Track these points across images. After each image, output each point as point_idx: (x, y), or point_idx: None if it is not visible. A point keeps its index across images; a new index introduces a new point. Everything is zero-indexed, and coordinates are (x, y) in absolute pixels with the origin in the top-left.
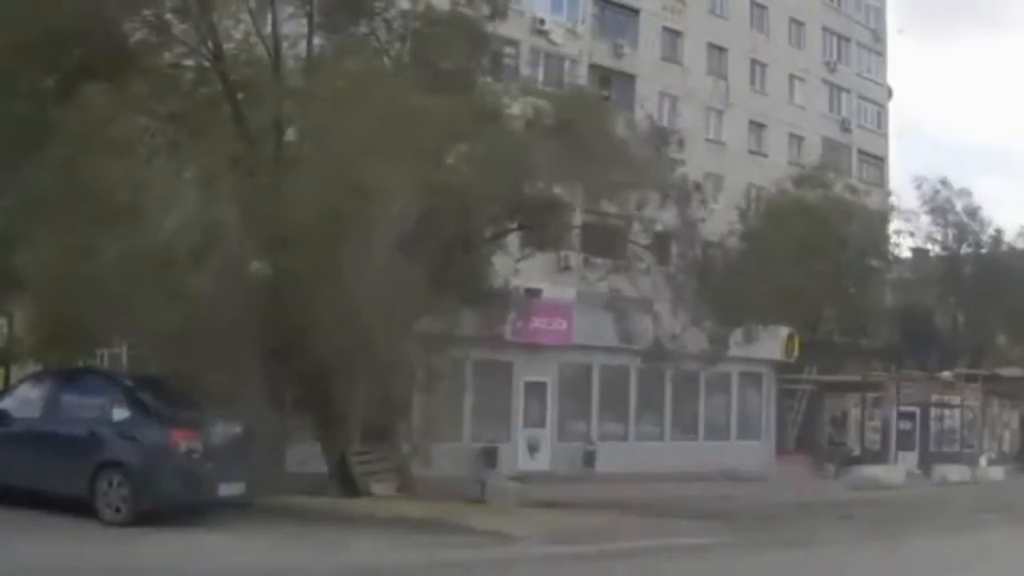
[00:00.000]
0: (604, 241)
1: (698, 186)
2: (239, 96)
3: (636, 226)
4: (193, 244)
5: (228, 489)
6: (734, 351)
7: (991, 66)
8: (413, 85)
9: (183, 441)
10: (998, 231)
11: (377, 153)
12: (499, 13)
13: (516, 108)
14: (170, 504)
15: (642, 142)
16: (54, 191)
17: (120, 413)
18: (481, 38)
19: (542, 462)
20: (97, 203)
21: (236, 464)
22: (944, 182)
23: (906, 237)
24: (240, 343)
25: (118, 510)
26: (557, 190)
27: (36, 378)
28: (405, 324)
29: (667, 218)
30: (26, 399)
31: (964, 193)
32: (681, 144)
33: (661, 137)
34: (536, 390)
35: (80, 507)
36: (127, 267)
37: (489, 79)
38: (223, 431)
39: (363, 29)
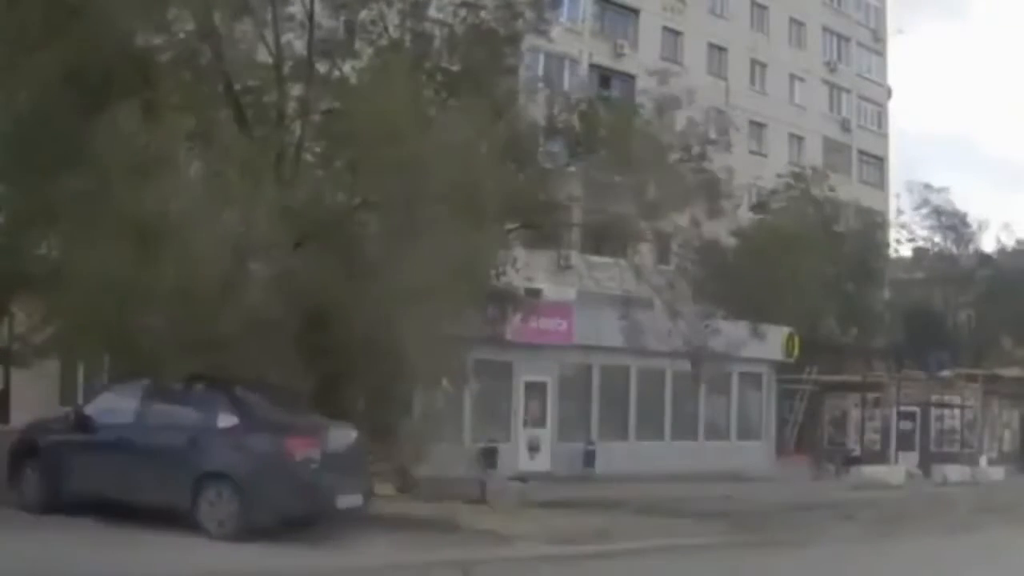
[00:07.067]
0: (607, 239)
1: (729, 182)
2: (243, 98)
3: (644, 224)
4: (230, 257)
5: (347, 501)
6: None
7: (956, 57)
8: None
9: (299, 450)
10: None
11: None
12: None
13: (533, 109)
14: (284, 518)
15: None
16: (83, 210)
17: (227, 420)
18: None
19: (542, 462)
20: (129, 223)
21: (354, 473)
22: (928, 186)
23: (901, 235)
24: (255, 343)
25: (222, 523)
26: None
27: (124, 383)
28: (434, 324)
29: (678, 216)
30: (114, 405)
31: (943, 191)
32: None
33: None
34: (536, 390)
35: (172, 519)
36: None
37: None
38: (339, 438)
39: (371, 15)
